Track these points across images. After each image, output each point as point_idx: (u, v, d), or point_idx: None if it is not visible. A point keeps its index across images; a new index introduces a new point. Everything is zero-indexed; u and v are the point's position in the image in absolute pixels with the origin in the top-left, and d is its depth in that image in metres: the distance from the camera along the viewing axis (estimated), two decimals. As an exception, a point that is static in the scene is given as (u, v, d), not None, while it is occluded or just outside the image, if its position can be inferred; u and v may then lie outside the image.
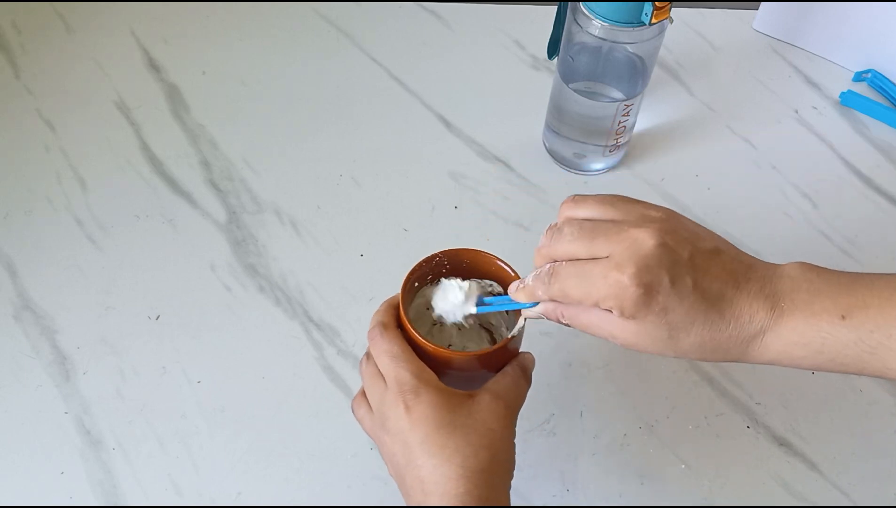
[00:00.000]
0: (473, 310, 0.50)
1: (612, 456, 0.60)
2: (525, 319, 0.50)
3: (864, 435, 0.62)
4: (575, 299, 0.42)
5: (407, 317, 0.50)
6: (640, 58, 0.67)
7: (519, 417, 0.62)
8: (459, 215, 0.73)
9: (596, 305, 0.41)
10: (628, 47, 0.67)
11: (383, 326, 0.50)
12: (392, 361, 0.47)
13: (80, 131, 0.78)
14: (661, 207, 0.45)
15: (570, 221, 0.43)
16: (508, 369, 0.50)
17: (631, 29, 0.63)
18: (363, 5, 0.90)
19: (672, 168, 0.77)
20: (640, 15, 0.61)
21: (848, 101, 0.82)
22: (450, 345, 0.56)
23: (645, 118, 0.80)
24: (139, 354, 0.65)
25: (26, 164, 0.76)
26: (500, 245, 0.71)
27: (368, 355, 0.51)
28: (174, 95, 0.81)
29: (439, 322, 0.53)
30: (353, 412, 0.53)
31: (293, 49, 0.86)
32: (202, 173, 0.76)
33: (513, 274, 0.52)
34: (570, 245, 0.42)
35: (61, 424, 0.61)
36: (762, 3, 0.87)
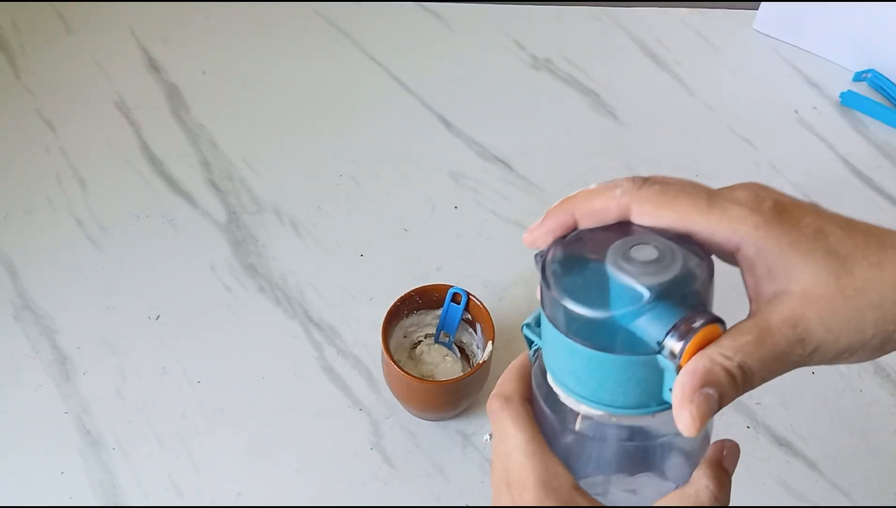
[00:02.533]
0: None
1: (612, 456, 0.60)
2: (492, 342, 0.55)
3: (863, 435, 0.62)
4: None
5: (388, 351, 0.56)
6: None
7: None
8: (459, 215, 0.73)
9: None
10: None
11: (506, 401, 0.37)
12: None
13: (80, 131, 0.78)
14: None
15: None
16: (690, 487, 0.35)
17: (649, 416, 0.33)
18: (363, 5, 0.90)
19: (672, 168, 0.77)
20: (662, 393, 0.32)
21: (848, 101, 0.82)
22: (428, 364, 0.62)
23: (645, 118, 0.80)
24: (139, 354, 0.65)
25: (26, 164, 0.76)
26: (500, 245, 0.71)
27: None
28: (174, 95, 0.81)
29: (415, 347, 0.62)
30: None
31: (293, 49, 0.86)
32: (202, 173, 0.76)
33: (470, 296, 0.59)
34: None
35: (61, 424, 0.61)
36: (762, 3, 0.87)
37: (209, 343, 0.65)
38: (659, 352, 0.30)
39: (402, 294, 0.59)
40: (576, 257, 0.33)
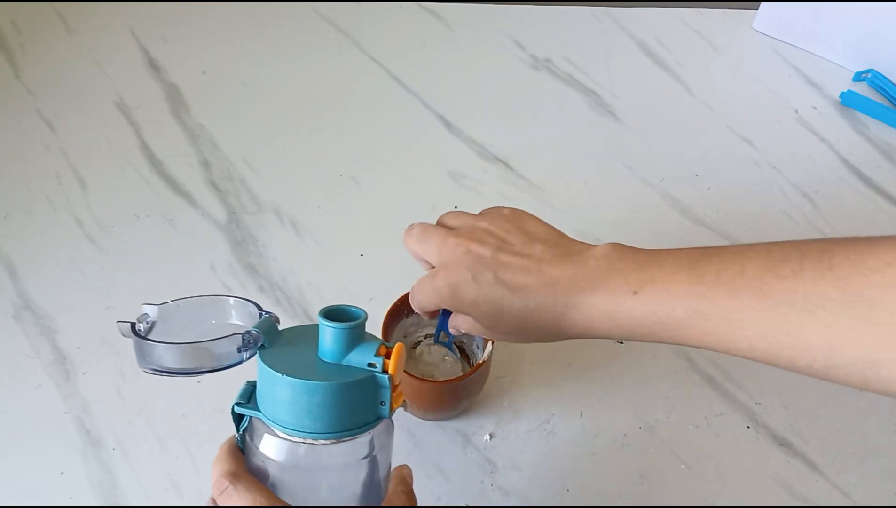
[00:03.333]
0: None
1: (612, 456, 0.60)
2: (493, 343, 0.56)
3: (863, 435, 0.62)
4: (427, 306, 0.50)
5: None
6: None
7: (519, 417, 0.62)
8: (459, 215, 0.73)
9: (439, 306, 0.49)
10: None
11: (234, 476, 0.41)
12: None
13: (80, 131, 0.78)
14: (501, 208, 0.51)
15: (421, 224, 0.51)
16: (393, 495, 0.45)
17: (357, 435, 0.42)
18: (363, 5, 0.90)
19: (672, 168, 0.77)
20: (378, 409, 0.42)
21: (848, 101, 0.82)
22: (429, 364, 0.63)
23: (645, 118, 0.80)
24: (139, 354, 0.65)
25: (26, 164, 0.76)
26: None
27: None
28: (174, 95, 0.81)
29: (415, 347, 0.62)
30: None
31: (293, 49, 0.86)
32: (202, 173, 0.76)
33: None
34: (412, 244, 0.50)
35: (61, 424, 0.61)
36: (762, 3, 0.87)
37: (209, 343, 0.65)
38: (373, 370, 0.41)
39: (402, 294, 0.59)
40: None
